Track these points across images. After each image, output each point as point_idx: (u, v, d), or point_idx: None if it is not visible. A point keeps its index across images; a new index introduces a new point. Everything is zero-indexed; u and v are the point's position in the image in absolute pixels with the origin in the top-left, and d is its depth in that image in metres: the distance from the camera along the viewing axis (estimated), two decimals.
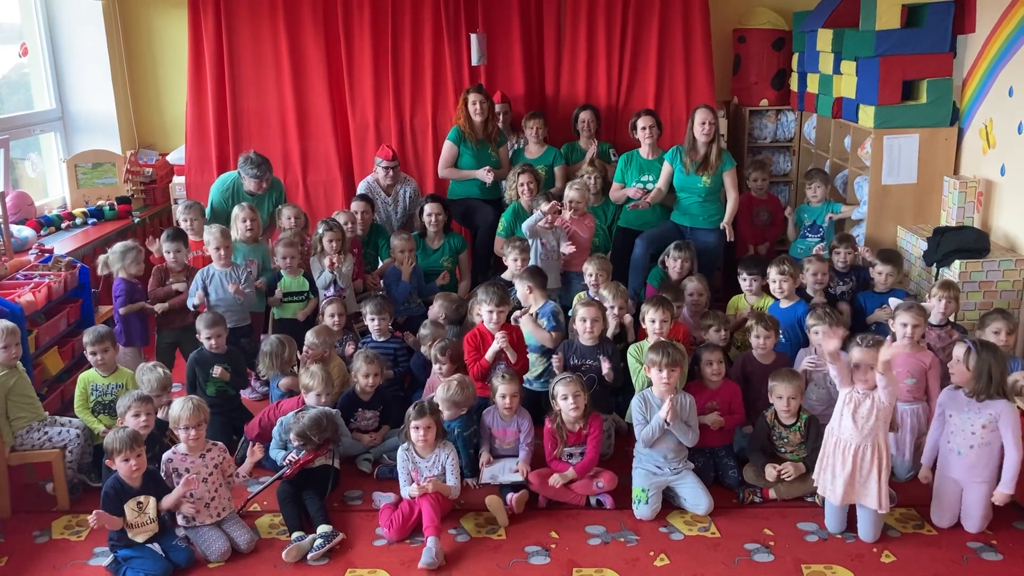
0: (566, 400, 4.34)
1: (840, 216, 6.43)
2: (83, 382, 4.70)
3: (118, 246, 5.49)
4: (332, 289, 5.64)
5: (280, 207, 6.22)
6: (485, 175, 6.52)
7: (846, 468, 3.93)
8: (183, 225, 5.99)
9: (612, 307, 5.10)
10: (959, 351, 4.02)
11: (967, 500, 4.07)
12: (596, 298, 5.22)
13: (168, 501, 3.94)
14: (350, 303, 5.74)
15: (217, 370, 4.89)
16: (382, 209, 6.52)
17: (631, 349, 4.89)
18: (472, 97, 6.56)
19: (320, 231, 5.72)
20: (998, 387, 3.95)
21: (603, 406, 4.76)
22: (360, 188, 6.63)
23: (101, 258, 5.55)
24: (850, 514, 4.09)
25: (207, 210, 6.26)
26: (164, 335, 5.54)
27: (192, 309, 5.38)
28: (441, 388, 4.56)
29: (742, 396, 4.69)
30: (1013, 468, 3.95)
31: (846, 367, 3.94)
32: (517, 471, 4.42)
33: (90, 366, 4.76)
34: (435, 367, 4.98)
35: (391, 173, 6.53)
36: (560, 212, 5.75)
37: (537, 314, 5.15)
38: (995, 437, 3.96)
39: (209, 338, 4.95)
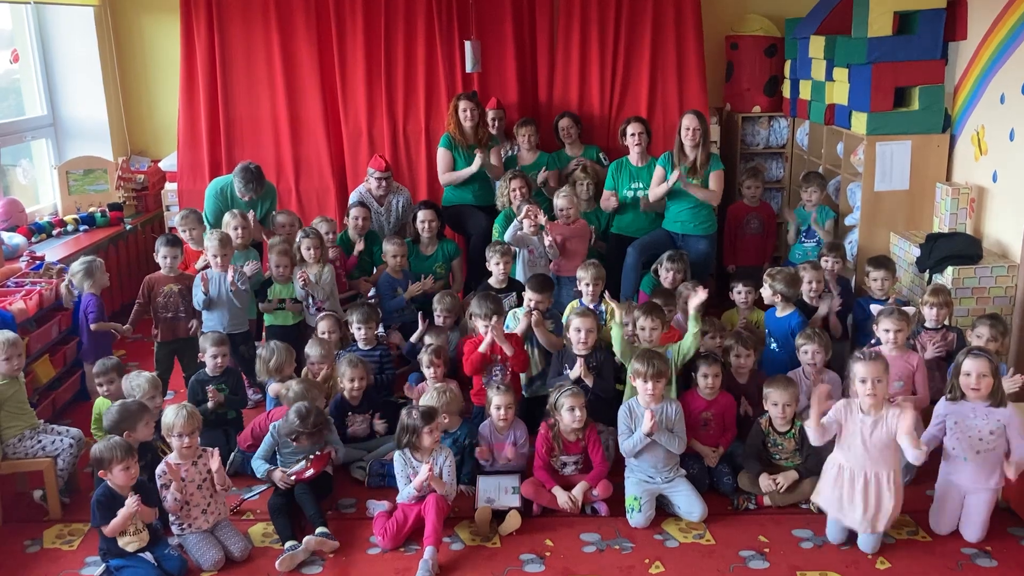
0: (572, 412, 4.33)
1: (824, 232, 6.43)
2: (97, 410, 4.68)
3: (80, 265, 5.36)
4: (311, 302, 5.61)
5: (275, 213, 6.21)
6: (477, 160, 6.51)
7: (868, 500, 3.88)
8: (182, 235, 5.94)
9: (627, 324, 4.98)
10: (982, 366, 3.94)
11: (971, 507, 4.06)
12: (590, 306, 5.21)
13: (113, 525, 3.81)
14: (334, 311, 5.75)
15: (211, 400, 4.80)
16: (374, 219, 6.51)
17: (614, 332, 4.85)
18: (462, 104, 6.58)
19: (298, 240, 5.71)
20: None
21: (600, 416, 4.74)
22: (352, 198, 6.62)
23: (64, 284, 5.42)
24: None
25: (205, 216, 6.24)
26: (162, 344, 5.50)
27: (198, 307, 5.36)
28: (425, 397, 4.59)
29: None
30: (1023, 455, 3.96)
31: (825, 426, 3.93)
32: (514, 489, 4.40)
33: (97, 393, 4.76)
34: (427, 371, 4.97)
35: (384, 184, 6.52)
36: (536, 216, 5.73)
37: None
38: (1000, 442, 3.97)
39: (215, 356, 4.92)
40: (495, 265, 5.60)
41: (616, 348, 4.65)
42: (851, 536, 4.05)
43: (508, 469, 4.56)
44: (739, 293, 5.48)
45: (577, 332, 4.77)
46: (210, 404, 4.78)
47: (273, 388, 4.97)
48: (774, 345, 5.17)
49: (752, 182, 6.74)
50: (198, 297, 5.33)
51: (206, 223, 6.20)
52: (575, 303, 5.39)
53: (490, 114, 6.84)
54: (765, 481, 4.32)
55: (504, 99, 7.12)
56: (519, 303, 5.52)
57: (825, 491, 4.02)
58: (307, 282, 5.54)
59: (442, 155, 6.71)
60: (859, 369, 3.89)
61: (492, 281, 5.63)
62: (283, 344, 5.06)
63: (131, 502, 3.77)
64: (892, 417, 3.86)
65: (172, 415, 4.01)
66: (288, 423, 4.32)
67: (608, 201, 6.42)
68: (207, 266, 5.52)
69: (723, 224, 6.70)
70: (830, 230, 6.41)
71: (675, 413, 4.37)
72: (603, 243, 6.53)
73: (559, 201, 6.00)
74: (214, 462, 4.05)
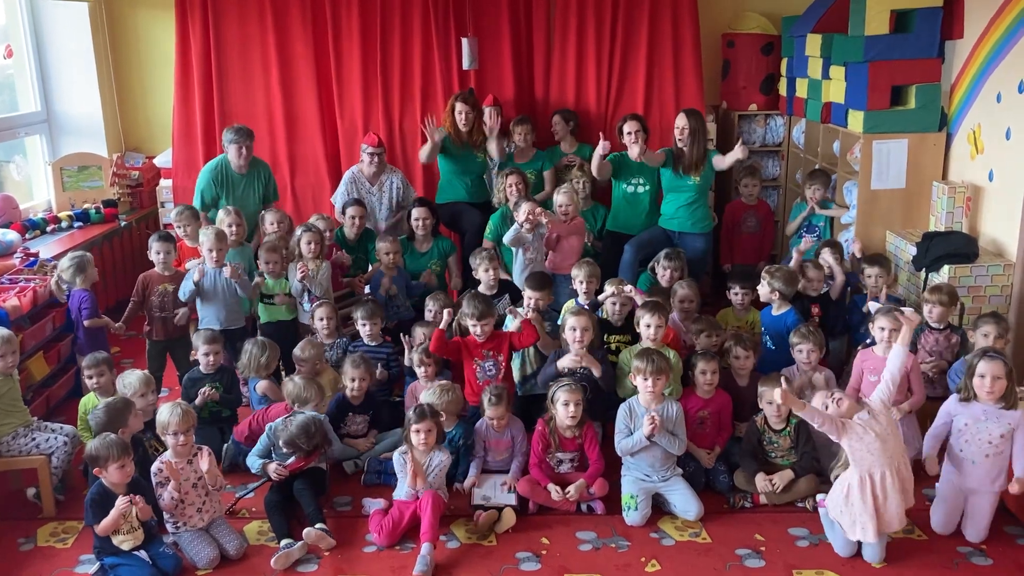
0: (567, 407, 4.32)
1: (828, 214, 6.45)
2: (83, 406, 4.67)
3: (69, 261, 5.33)
4: (306, 298, 5.60)
5: (263, 212, 6.18)
6: (437, 135, 6.51)
7: (887, 499, 3.82)
8: (178, 231, 5.92)
9: (612, 296, 5.08)
10: (997, 369, 3.89)
11: (974, 509, 4.05)
12: (585, 304, 5.21)
13: (104, 524, 3.80)
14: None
15: (200, 399, 4.78)
16: (367, 200, 6.47)
17: (622, 355, 4.88)
18: (459, 107, 6.54)
19: (298, 234, 5.69)
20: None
21: (598, 413, 4.74)
22: (344, 178, 6.56)
23: (53, 281, 5.38)
24: None
25: (196, 199, 6.21)
26: (155, 342, 5.50)
27: (183, 298, 5.32)
28: (427, 394, 4.57)
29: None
30: None
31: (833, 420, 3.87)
32: (506, 484, 4.41)
33: (87, 389, 4.74)
34: (418, 370, 4.96)
35: (376, 160, 6.48)
36: (538, 217, 5.70)
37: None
38: (1008, 445, 3.95)
39: (207, 354, 4.90)
40: (484, 272, 5.51)
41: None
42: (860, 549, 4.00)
43: (503, 468, 4.56)
44: (736, 295, 5.48)
45: (573, 331, 4.73)
46: (198, 401, 4.75)
47: (261, 386, 4.94)
48: (769, 343, 5.17)
49: (750, 180, 6.75)
50: (186, 286, 5.27)
51: (197, 202, 6.17)
52: (571, 303, 5.37)
53: (487, 111, 6.82)
54: (761, 482, 4.32)
55: (500, 96, 7.09)
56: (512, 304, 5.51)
57: (840, 508, 3.93)
58: (307, 275, 5.53)
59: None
60: (815, 401, 3.94)
61: (482, 288, 5.53)
62: (268, 341, 5.06)
63: (121, 503, 3.74)
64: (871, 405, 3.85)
65: (167, 413, 4.00)
66: (288, 432, 4.29)
67: (601, 149, 6.20)
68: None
69: (720, 222, 6.71)
70: (834, 211, 6.45)
71: (676, 414, 4.36)
72: (599, 242, 6.52)
73: (559, 197, 5.99)
74: (203, 462, 4.02)
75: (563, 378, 4.53)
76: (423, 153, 6.66)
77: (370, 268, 6.17)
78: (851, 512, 3.88)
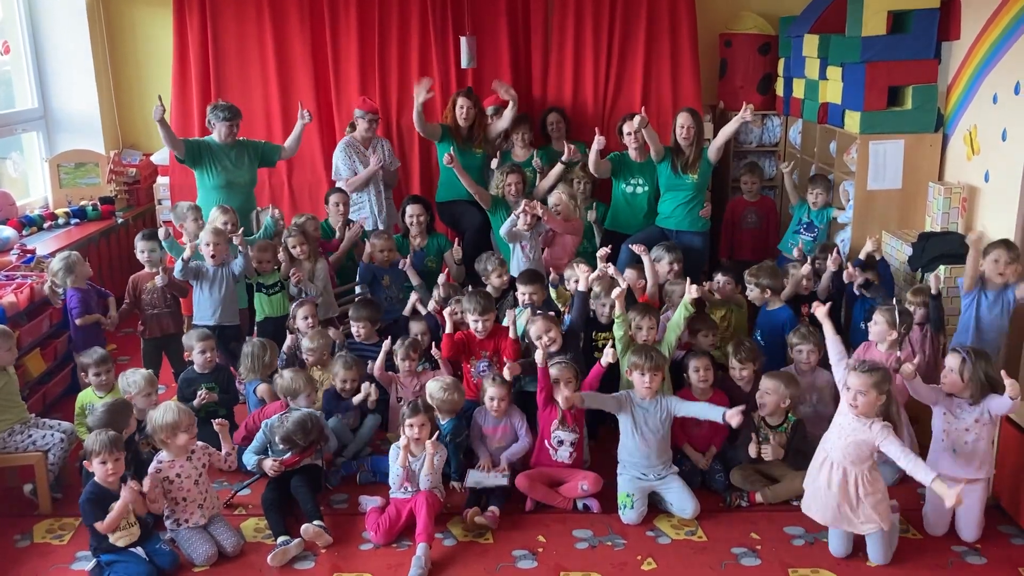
0: (557, 384, 4.39)
1: (835, 216, 6.48)
2: (80, 402, 4.68)
3: (59, 262, 5.29)
4: (303, 298, 5.60)
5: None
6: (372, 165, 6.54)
7: (832, 489, 3.84)
8: (190, 226, 5.87)
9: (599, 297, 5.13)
10: (953, 361, 4.00)
11: (964, 505, 4.01)
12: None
13: (108, 521, 3.82)
14: (329, 306, 5.72)
15: (197, 400, 4.76)
16: (361, 162, 6.52)
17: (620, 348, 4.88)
18: (460, 101, 6.57)
19: (284, 237, 5.72)
20: (988, 387, 3.99)
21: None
22: (339, 148, 6.63)
23: (47, 286, 5.32)
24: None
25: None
26: (149, 340, 5.50)
27: (178, 273, 5.28)
28: (432, 384, 4.59)
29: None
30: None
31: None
32: (503, 471, 4.43)
33: (85, 385, 4.75)
34: (401, 364, 4.97)
35: (374, 125, 6.58)
36: (536, 213, 5.71)
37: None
38: (985, 431, 4.00)
39: (204, 351, 4.90)
40: (496, 278, 5.49)
41: (617, 342, 4.66)
42: (856, 549, 3.99)
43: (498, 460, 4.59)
44: (717, 283, 5.50)
45: (539, 339, 4.63)
46: (196, 402, 4.74)
47: (261, 390, 4.92)
48: (760, 339, 5.18)
49: (750, 177, 6.79)
50: (178, 264, 5.24)
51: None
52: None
53: (489, 110, 6.83)
54: (752, 448, 4.33)
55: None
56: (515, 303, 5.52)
57: (809, 484, 3.99)
58: (300, 280, 5.54)
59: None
60: (851, 380, 3.84)
61: (490, 291, 5.50)
62: (268, 341, 5.07)
63: (125, 493, 3.75)
64: (873, 427, 3.80)
65: (162, 414, 3.98)
66: (284, 428, 4.29)
67: (596, 145, 6.19)
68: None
69: (722, 218, 6.77)
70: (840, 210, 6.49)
71: (672, 402, 4.38)
72: (599, 222, 6.54)
73: (551, 197, 6.01)
74: (223, 432, 4.10)
75: (555, 357, 4.54)
76: (417, 122, 6.59)
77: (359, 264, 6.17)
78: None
